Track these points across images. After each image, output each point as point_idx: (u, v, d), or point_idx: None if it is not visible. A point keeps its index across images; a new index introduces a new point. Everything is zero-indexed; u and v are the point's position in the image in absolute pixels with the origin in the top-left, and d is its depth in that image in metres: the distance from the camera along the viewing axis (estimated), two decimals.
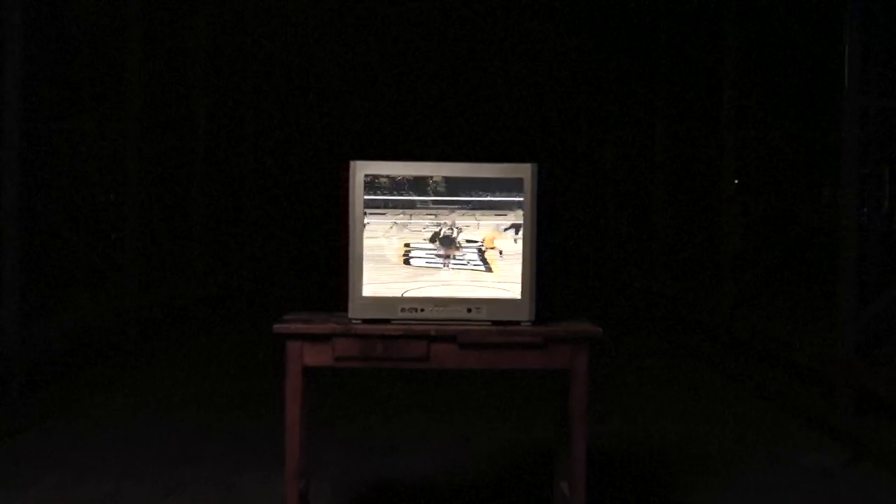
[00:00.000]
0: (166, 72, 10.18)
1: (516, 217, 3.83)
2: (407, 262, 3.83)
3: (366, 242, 3.81)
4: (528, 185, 3.82)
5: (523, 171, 3.83)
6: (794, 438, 6.07)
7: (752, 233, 9.37)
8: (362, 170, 3.82)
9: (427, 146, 16.39)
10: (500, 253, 3.84)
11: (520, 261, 3.82)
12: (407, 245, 3.84)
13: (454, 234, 3.84)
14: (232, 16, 12.50)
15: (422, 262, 3.84)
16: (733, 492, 5.02)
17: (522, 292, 3.81)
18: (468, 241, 3.84)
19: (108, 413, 6.46)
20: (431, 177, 3.82)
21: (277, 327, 3.80)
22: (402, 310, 3.80)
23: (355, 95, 17.51)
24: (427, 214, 3.83)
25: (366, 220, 3.81)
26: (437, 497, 4.89)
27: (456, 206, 3.83)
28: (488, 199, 3.83)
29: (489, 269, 3.84)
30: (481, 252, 3.84)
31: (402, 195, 3.83)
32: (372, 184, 3.81)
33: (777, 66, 9.18)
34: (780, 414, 6.71)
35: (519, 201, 3.82)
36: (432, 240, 3.83)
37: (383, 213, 3.82)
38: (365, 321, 3.80)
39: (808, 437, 6.08)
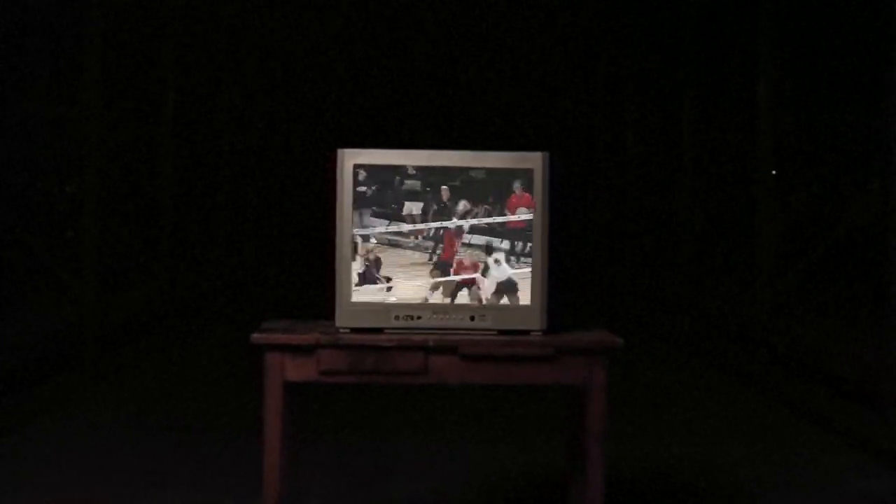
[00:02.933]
0: (131, 49, 10.17)
1: (525, 213, 3.82)
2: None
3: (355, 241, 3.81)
4: (538, 176, 3.81)
5: (533, 160, 3.83)
6: (839, 461, 6.07)
7: (791, 230, 9.35)
8: (351, 159, 3.82)
9: (425, 134, 16.39)
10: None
11: (529, 262, 3.81)
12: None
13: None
14: None
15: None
16: None
17: (532, 298, 3.81)
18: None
19: (66, 434, 6.46)
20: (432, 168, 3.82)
21: (255, 337, 3.80)
22: (397, 317, 3.79)
23: (344, 75, 17.51)
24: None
25: (355, 216, 3.80)
26: None
27: (457, 201, 3.83)
28: (493, 192, 3.83)
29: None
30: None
31: (396, 189, 3.83)
32: (362, 175, 3.81)
33: (819, 42, 9.16)
34: (823, 434, 6.71)
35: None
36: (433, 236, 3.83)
37: (374, 209, 3.82)
38: (354, 330, 3.80)
39: (855, 460, 6.08)
